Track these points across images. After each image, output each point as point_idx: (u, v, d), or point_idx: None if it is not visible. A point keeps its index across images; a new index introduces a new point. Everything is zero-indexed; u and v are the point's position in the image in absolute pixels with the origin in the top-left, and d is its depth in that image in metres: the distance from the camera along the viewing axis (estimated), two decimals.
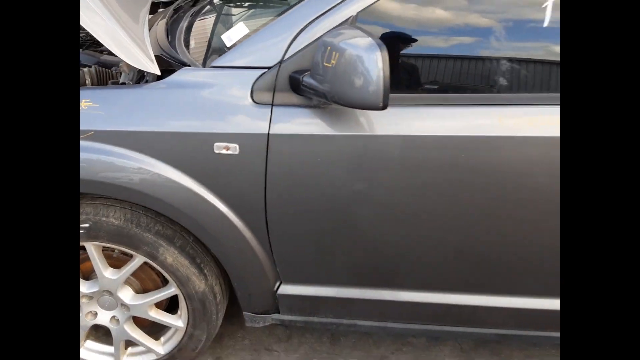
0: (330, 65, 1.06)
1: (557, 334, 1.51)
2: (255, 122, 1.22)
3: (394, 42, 1.24)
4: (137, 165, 1.25)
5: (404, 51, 1.30)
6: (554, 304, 1.43)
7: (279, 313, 1.53)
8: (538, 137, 1.21)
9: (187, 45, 1.52)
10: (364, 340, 1.92)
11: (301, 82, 1.16)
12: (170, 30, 1.65)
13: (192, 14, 1.76)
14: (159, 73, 1.29)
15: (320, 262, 1.41)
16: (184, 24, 1.67)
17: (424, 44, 1.30)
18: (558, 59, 1.24)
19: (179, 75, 1.27)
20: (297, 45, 1.21)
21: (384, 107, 1.03)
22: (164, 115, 1.24)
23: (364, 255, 1.39)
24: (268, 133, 1.21)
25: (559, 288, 1.39)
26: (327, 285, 1.47)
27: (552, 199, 1.23)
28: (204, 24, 1.71)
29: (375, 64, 1.00)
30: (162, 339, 1.61)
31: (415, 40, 1.28)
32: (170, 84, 1.26)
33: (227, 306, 1.62)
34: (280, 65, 1.21)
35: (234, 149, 1.22)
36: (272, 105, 1.22)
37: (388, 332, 1.75)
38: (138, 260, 1.41)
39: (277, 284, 1.47)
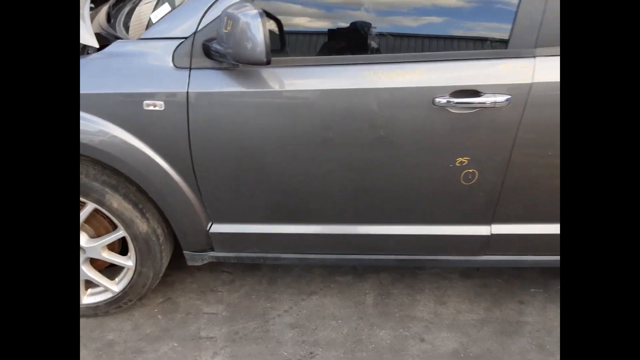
0: (227, 31, 1.34)
1: (440, 257, 1.82)
2: (176, 82, 1.49)
3: (291, 14, 1.54)
4: (84, 123, 1.51)
5: (302, 22, 1.59)
6: (436, 229, 1.74)
7: (213, 250, 1.81)
8: (401, 88, 1.50)
9: (126, 26, 1.79)
10: (297, 280, 2.21)
11: (211, 48, 1.44)
12: (113, 15, 1.91)
13: (134, 2, 2.02)
14: (97, 46, 1.55)
15: (243, 203, 1.70)
16: (125, 10, 1.93)
17: (325, 17, 1.59)
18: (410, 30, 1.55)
19: (113, 47, 1.53)
20: (208, 19, 1.48)
21: (268, 63, 1.33)
22: (102, 80, 1.51)
23: (277, 194, 1.68)
24: (187, 91, 1.49)
25: (439, 215, 1.70)
26: (251, 223, 1.75)
27: (415, 137, 1.53)
28: (143, 9, 1.97)
29: (258, 29, 1.29)
30: (117, 279, 1.88)
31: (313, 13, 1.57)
32: (106, 54, 1.53)
33: (179, 259, 1.88)
34: (194, 35, 1.49)
35: (160, 105, 1.49)
36: (190, 68, 1.50)
37: (309, 264, 2.01)
38: (89, 206, 1.67)
39: (209, 223, 1.75)
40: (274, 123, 1.54)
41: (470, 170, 1.60)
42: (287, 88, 1.51)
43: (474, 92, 1.49)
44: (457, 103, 1.49)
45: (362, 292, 2.15)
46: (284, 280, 2.21)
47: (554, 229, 1.73)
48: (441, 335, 1.91)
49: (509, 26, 1.49)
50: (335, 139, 1.56)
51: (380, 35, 1.56)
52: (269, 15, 1.54)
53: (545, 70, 1.48)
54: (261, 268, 2.29)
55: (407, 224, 1.75)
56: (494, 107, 1.49)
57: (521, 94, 1.49)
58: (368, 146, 1.56)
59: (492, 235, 1.75)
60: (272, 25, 1.56)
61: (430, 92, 1.49)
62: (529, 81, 1.48)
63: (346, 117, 1.53)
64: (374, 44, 1.55)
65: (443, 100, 1.49)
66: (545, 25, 1.48)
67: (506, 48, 1.50)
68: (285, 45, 1.61)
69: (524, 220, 1.72)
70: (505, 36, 1.50)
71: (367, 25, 1.55)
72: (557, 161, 1.57)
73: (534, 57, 1.49)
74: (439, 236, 1.76)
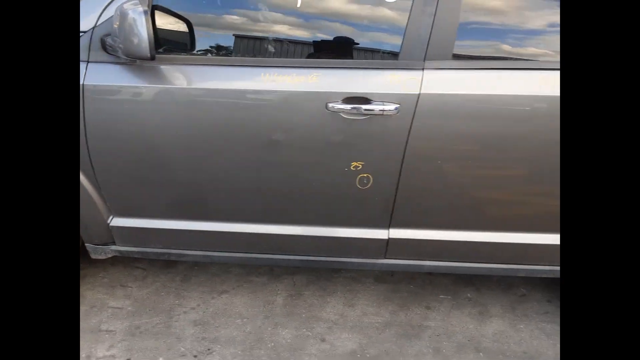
0: (117, 26, 1.37)
1: (343, 259, 1.87)
2: None
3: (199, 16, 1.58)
4: None
5: (211, 23, 1.63)
6: (337, 232, 1.78)
7: (115, 244, 1.82)
8: (296, 92, 1.55)
9: None
10: (212, 279, 2.23)
11: (106, 42, 1.46)
12: None
13: None
14: None
15: (142, 197, 1.71)
16: None
17: (231, 21, 1.63)
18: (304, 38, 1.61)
19: None
20: (106, 15, 1.51)
21: (152, 58, 1.36)
22: None
23: (176, 191, 1.70)
24: (82, 84, 1.51)
25: (339, 218, 1.74)
26: (152, 218, 1.77)
27: (310, 139, 1.58)
28: None
29: (143, 25, 1.32)
30: None
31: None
32: None
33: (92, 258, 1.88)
34: (93, 30, 1.51)
35: None
36: (88, 61, 1.52)
37: (214, 261, 2.01)
38: None
39: (110, 217, 1.76)
40: (171, 119, 1.56)
41: (365, 175, 1.66)
42: (183, 85, 1.54)
43: (365, 100, 1.55)
44: (349, 109, 1.54)
45: (274, 292, 2.18)
46: (198, 278, 2.23)
47: (448, 235, 1.79)
48: (342, 336, 1.95)
49: (400, 39, 1.56)
50: (231, 138, 1.59)
51: (281, 41, 1.60)
52: (179, 16, 1.58)
53: (432, 82, 1.55)
54: (177, 266, 2.30)
55: (308, 225, 1.79)
56: (383, 114, 1.55)
57: (409, 103, 1.55)
58: (264, 147, 1.60)
59: (390, 239, 1.80)
60: (181, 25, 1.59)
61: (324, 97, 1.55)
62: (416, 92, 1.55)
63: (241, 117, 1.57)
64: (272, 49, 1.60)
65: (335, 106, 1.54)
66: (434, 40, 1.55)
67: (396, 60, 1.56)
68: (194, 45, 1.64)
69: (420, 226, 1.78)
70: (396, 49, 1.57)
71: (267, 30, 1.60)
72: (448, 169, 1.63)
73: (423, 69, 1.56)
74: (340, 238, 1.81)
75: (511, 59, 1.60)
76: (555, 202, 1.71)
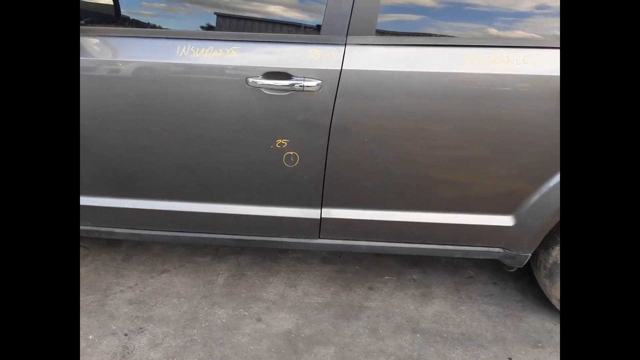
0: None
1: (277, 238, 1.85)
2: None
3: None
4: None
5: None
6: (269, 210, 1.76)
7: None
8: (214, 65, 1.52)
9: None
10: (153, 259, 2.22)
11: None
12: None
13: None
14: None
15: None
16: None
17: None
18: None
19: None
20: None
21: None
22: None
23: (102, 167, 1.68)
24: None
25: (269, 196, 1.72)
26: (81, 195, 1.75)
27: (232, 115, 1.56)
28: None
29: None
30: None
31: None
32: None
33: None
34: None
35: None
36: None
37: (145, 239, 1.98)
38: None
39: None
40: (88, 92, 1.54)
41: (291, 153, 1.63)
42: (99, 57, 1.51)
43: (286, 75, 1.52)
44: (269, 84, 1.51)
45: (216, 272, 2.17)
46: (139, 257, 2.21)
47: (379, 215, 1.77)
48: (279, 316, 1.95)
49: (322, 13, 1.52)
50: (152, 113, 1.57)
51: (199, 12, 1.57)
52: None
53: (355, 58, 1.52)
54: (120, 245, 2.28)
55: (238, 203, 1.77)
56: (304, 90, 1.52)
57: (332, 79, 1.52)
58: (186, 122, 1.58)
59: (322, 219, 1.79)
60: None
61: (244, 72, 1.51)
62: (338, 68, 1.52)
63: (160, 91, 1.54)
64: (191, 21, 1.57)
65: (256, 81, 1.51)
66: (356, 15, 1.51)
67: (318, 34, 1.53)
68: (119, 15, 1.60)
69: (352, 205, 1.76)
70: (317, 23, 1.53)
71: (187, 2, 1.56)
72: (375, 147, 1.61)
73: (345, 44, 1.52)
74: (272, 217, 1.79)
75: (436, 35, 1.56)
76: (485, 181, 1.69)
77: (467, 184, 1.70)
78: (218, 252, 2.30)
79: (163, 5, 1.57)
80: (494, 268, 2.36)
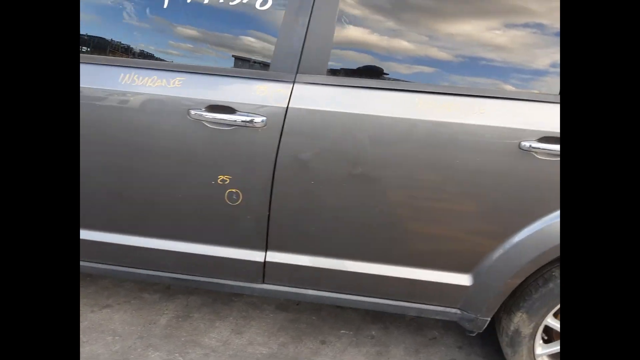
0: None
1: (217, 280, 1.75)
2: None
3: None
4: None
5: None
6: (210, 250, 1.67)
7: None
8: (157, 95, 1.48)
9: None
10: (99, 292, 2.11)
11: None
12: None
13: None
14: None
15: None
16: None
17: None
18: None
19: None
20: None
21: None
22: None
23: None
24: None
25: (210, 235, 1.64)
26: None
27: (172, 147, 1.50)
28: None
29: None
30: None
31: None
32: None
33: None
34: None
35: None
36: None
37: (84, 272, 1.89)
38: None
39: None
40: None
41: (233, 190, 1.56)
42: None
43: (229, 109, 1.47)
44: (211, 118, 1.46)
45: (161, 311, 2.05)
46: (87, 290, 2.11)
47: (327, 263, 1.67)
48: None
49: (272, 49, 1.49)
50: (90, 141, 1.51)
51: (147, 41, 1.54)
52: None
53: (303, 97, 1.47)
54: None
55: (178, 240, 1.68)
56: (248, 126, 1.47)
57: (277, 117, 1.47)
58: (125, 151, 1.52)
59: (267, 262, 1.69)
60: None
61: (186, 104, 1.47)
62: (284, 105, 1.46)
63: (100, 118, 1.49)
64: (137, 49, 1.54)
65: (199, 113, 1.46)
66: (307, 53, 1.47)
67: (267, 70, 1.49)
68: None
69: (297, 250, 1.67)
70: (267, 59, 1.50)
71: (136, 31, 1.54)
72: (321, 191, 1.53)
73: (294, 82, 1.48)
74: (214, 257, 1.69)
75: (391, 79, 1.51)
76: (441, 235, 1.59)
77: (420, 237, 1.60)
78: (169, 290, 2.20)
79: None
80: (461, 330, 2.20)
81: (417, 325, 2.20)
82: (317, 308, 2.21)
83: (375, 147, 1.48)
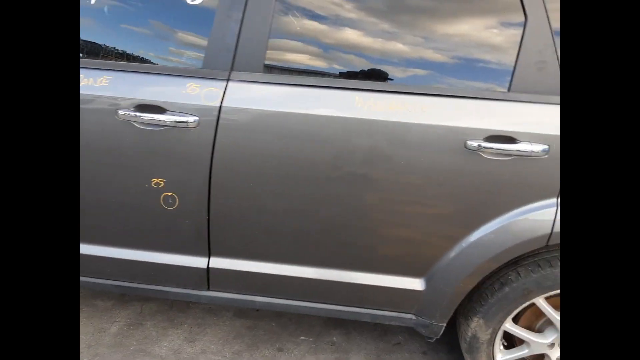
0: None
1: (162, 288, 1.68)
2: None
3: None
4: None
5: None
6: (151, 256, 1.60)
7: None
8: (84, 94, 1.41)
9: None
10: None
11: None
12: None
13: None
14: None
15: None
16: None
17: None
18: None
19: None
20: None
21: None
22: None
23: None
24: None
25: (151, 240, 1.57)
26: None
27: (102, 148, 1.43)
28: None
29: None
30: None
31: None
32: None
33: None
34: None
35: None
36: None
37: None
38: None
39: None
40: None
41: (169, 194, 1.49)
42: None
43: (159, 109, 1.40)
44: (140, 118, 1.40)
45: (113, 319, 1.99)
46: None
47: (274, 269, 1.60)
48: None
49: (205, 45, 1.42)
50: None
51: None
52: None
53: (237, 95, 1.40)
54: None
55: (119, 247, 1.61)
56: (179, 126, 1.40)
57: (211, 116, 1.40)
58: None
59: (210, 269, 1.62)
60: None
61: (114, 103, 1.40)
62: (217, 104, 1.40)
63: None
64: None
65: (127, 113, 1.40)
66: (242, 49, 1.40)
67: (198, 68, 1.42)
68: None
69: (242, 256, 1.60)
70: (200, 56, 1.43)
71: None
72: (262, 193, 1.46)
73: (227, 80, 1.41)
74: (156, 264, 1.63)
75: (331, 75, 1.44)
76: (390, 238, 1.52)
77: (368, 240, 1.53)
78: (124, 297, 2.13)
79: None
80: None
81: (381, 330, 2.13)
82: (278, 314, 2.15)
83: (314, 148, 1.41)
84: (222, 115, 1.39)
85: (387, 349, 2.01)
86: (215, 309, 2.12)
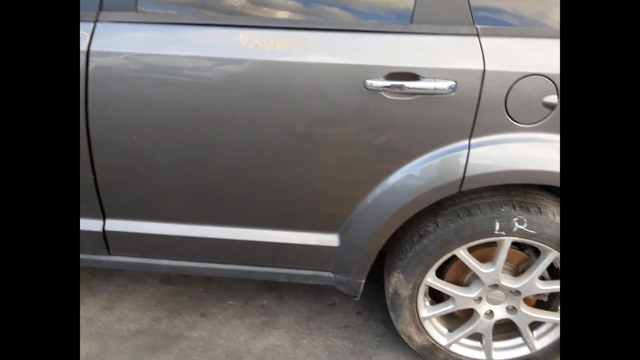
0: None
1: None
2: None
3: None
4: None
5: None
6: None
7: None
8: None
9: None
10: None
11: None
12: None
13: None
14: None
15: None
16: None
17: None
18: None
19: None
20: None
21: None
22: None
23: None
24: None
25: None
26: None
27: None
28: None
29: None
30: None
31: None
32: None
33: None
34: None
35: None
36: None
37: None
38: None
39: None
40: None
41: None
42: None
43: None
44: None
45: None
46: None
47: (175, 229, 1.49)
48: None
49: None
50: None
51: None
52: None
53: (108, 38, 1.26)
54: None
55: None
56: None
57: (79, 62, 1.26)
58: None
59: (106, 232, 1.50)
60: None
61: None
62: (85, 49, 1.25)
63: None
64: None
65: None
66: None
67: None
68: None
69: (139, 217, 1.48)
70: None
71: None
72: (148, 148, 1.34)
73: (95, 21, 1.26)
74: None
75: (217, 10, 1.29)
76: (296, 191, 1.40)
77: (273, 194, 1.41)
78: None
79: None
80: (364, 295, 2.04)
81: (316, 292, 2.04)
82: (207, 280, 2.05)
83: (198, 94, 1.28)
84: (91, 61, 1.25)
85: (320, 310, 1.93)
86: (140, 276, 2.03)
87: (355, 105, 1.27)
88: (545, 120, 1.26)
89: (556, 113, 1.25)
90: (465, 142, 1.30)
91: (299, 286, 2.04)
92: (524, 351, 1.64)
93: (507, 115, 1.26)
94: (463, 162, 1.30)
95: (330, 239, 1.49)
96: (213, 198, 1.42)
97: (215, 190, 1.40)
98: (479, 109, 1.26)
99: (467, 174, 1.31)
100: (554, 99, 1.24)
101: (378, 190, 1.38)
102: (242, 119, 1.29)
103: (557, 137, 1.28)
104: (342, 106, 1.27)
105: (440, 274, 1.58)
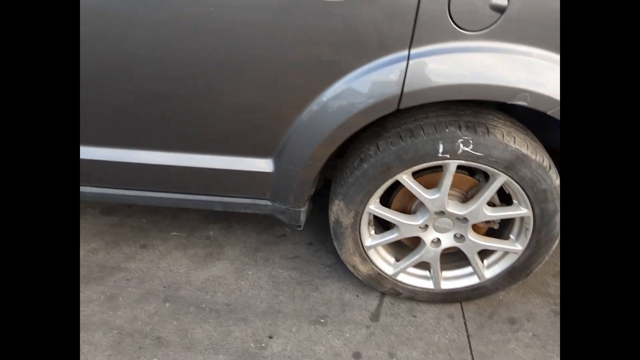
0: None
1: None
2: None
3: None
4: None
5: None
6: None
7: None
8: None
9: None
10: None
11: None
12: None
13: None
14: None
15: None
16: None
17: None
18: None
19: None
20: None
21: None
22: None
23: None
24: None
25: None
26: None
27: None
28: None
29: None
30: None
31: None
32: None
33: None
34: None
35: None
36: None
37: None
38: None
39: None
40: None
41: None
42: None
43: None
44: None
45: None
46: None
47: (93, 153, 1.37)
48: None
49: None
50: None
51: None
52: None
53: None
54: None
55: None
56: None
57: None
58: None
59: None
60: None
61: None
62: None
63: None
64: None
65: None
66: None
67: None
68: None
69: (93, 143, 1.36)
70: None
71: None
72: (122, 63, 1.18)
73: None
74: None
75: None
76: (222, 112, 1.27)
77: (197, 113, 1.28)
78: None
79: None
80: (316, 226, 1.96)
81: (267, 223, 1.95)
82: (152, 211, 1.95)
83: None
84: None
85: (269, 242, 1.85)
86: (82, 206, 1.92)
87: (278, 8, 1.10)
88: (494, 27, 1.11)
89: (507, 17, 1.10)
90: (405, 52, 1.15)
91: (250, 217, 1.96)
92: (473, 280, 1.58)
93: (450, 20, 1.11)
94: (401, 75, 1.16)
95: (265, 164, 1.38)
96: (132, 120, 1.29)
97: (133, 110, 1.27)
98: (419, 13, 1.10)
99: (406, 89, 1.17)
100: (503, 1, 1.08)
101: (309, 112, 1.25)
102: (151, 24, 1.13)
103: (508, 46, 1.13)
104: (263, 10, 1.11)
105: (387, 202, 1.49)
